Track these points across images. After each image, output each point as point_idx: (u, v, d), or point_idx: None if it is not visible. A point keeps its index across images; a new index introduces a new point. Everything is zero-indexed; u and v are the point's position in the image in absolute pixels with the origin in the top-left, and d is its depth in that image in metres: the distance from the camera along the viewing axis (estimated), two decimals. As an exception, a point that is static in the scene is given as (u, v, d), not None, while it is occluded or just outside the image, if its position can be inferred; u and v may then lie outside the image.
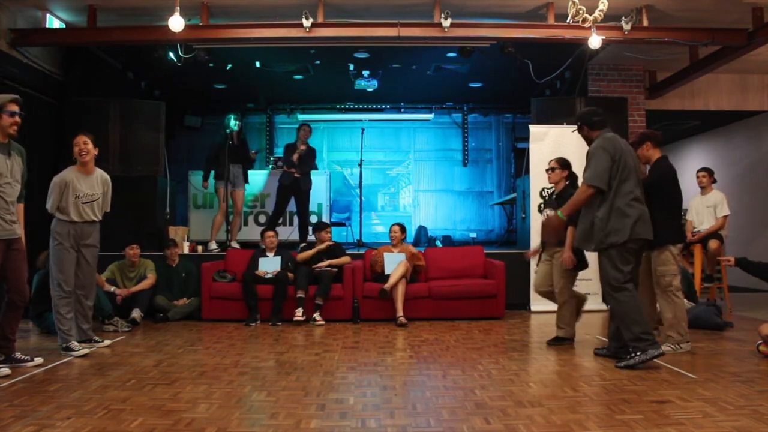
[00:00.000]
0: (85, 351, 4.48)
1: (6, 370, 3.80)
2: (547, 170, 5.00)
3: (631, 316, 3.94)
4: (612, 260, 3.99)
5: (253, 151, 7.35)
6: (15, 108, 3.94)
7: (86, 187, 4.64)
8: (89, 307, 4.83)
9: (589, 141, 4.28)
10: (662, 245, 4.31)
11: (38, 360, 4.14)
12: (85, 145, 4.62)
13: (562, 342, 4.81)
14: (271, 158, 9.61)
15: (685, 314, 4.50)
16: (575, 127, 4.38)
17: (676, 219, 4.53)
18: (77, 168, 4.65)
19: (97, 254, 4.83)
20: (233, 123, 7.12)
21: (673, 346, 4.38)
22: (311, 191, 7.59)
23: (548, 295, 5.00)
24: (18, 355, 4.10)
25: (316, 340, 5.08)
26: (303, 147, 7.36)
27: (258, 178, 8.17)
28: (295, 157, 7.27)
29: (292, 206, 7.61)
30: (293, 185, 7.31)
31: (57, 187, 4.53)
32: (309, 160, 7.43)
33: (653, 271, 4.41)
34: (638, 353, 3.93)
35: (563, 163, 4.91)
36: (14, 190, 3.99)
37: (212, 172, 7.13)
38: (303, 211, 7.48)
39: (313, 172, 8.64)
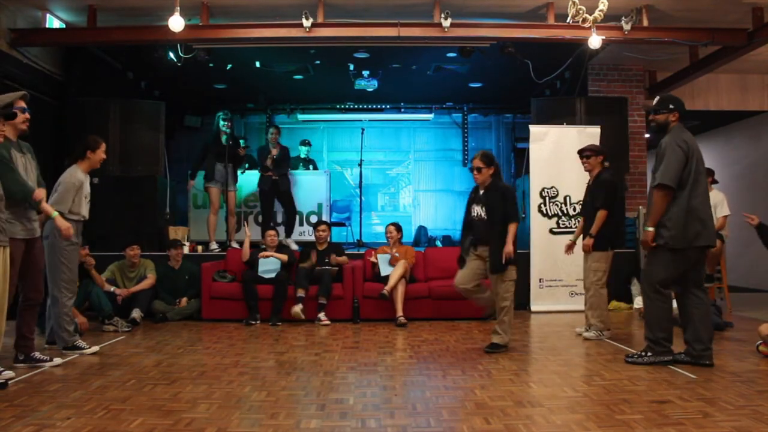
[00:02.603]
0: (95, 348, 4.53)
1: (9, 373, 3.77)
2: (472, 170, 4.70)
3: (661, 322, 4.03)
4: (665, 261, 3.95)
5: (240, 147, 7.34)
6: (24, 104, 3.96)
7: (88, 187, 4.68)
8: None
9: (663, 125, 4.06)
10: (604, 248, 4.99)
11: (57, 360, 4.13)
12: (105, 156, 4.73)
13: (500, 349, 4.55)
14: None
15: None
16: (660, 107, 4.07)
17: (619, 226, 5.04)
18: (83, 168, 4.60)
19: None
20: (222, 123, 7.13)
21: (596, 333, 5.01)
22: (311, 191, 7.61)
23: (470, 292, 4.71)
24: (37, 354, 4.10)
25: (316, 340, 5.08)
26: (275, 150, 7.38)
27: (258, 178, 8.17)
28: (269, 162, 7.30)
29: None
30: (272, 188, 7.35)
31: (74, 188, 4.47)
32: (284, 161, 7.46)
33: (585, 268, 5.05)
34: (649, 354, 4.05)
35: (489, 161, 4.65)
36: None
37: (201, 173, 7.17)
38: (287, 211, 7.52)
39: (313, 172, 8.65)
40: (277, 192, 7.39)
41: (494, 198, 4.56)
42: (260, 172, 7.44)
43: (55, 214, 4.04)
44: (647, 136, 8.18)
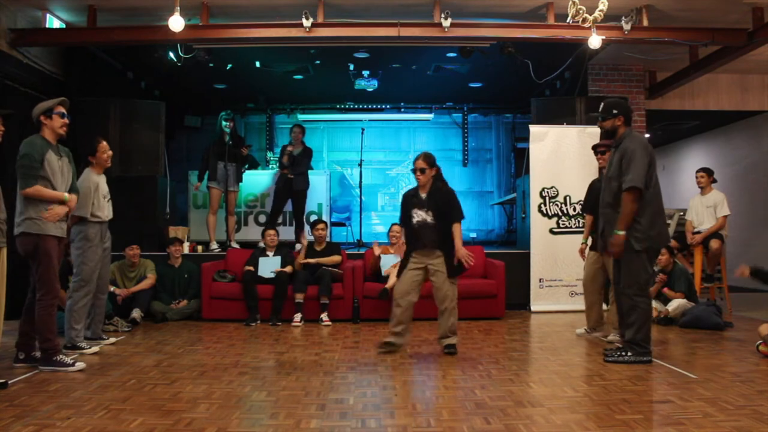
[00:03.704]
0: (95, 349, 4.57)
1: (81, 364, 4.01)
2: (414, 171, 4.51)
3: (644, 323, 4.10)
4: (645, 263, 4.09)
5: (243, 147, 7.32)
6: (63, 109, 4.13)
7: (105, 186, 4.85)
8: (104, 306, 4.97)
9: (611, 133, 4.25)
10: None
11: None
12: (110, 150, 4.87)
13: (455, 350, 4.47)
14: (271, 158, 9.63)
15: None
16: (605, 114, 4.24)
17: None
18: (95, 170, 4.80)
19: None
20: (224, 123, 7.12)
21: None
22: (311, 191, 7.59)
23: (407, 310, 4.46)
24: (37, 354, 4.12)
25: (316, 340, 5.08)
26: (291, 148, 7.33)
27: (258, 178, 8.17)
28: (285, 159, 7.27)
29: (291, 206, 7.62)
30: (286, 186, 7.30)
31: (90, 191, 4.61)
32: (303, 160, 7.39)
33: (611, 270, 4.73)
34: (629, 353, 4.11)
35: (431, 162, 4.55)
36: (66, 190, 4.16)
37: (207, 173, 7.16)
38: (297, 211, 7.46)
39: (313, 172, 8.63)
40: (290, 191, 7.35)
41: (443, 201, 4.46)
42: (279, 169, 7.43)
43: (66, 197, 4.07)
44: (647, 135, 8.19)
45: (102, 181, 4.81)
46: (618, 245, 4.06)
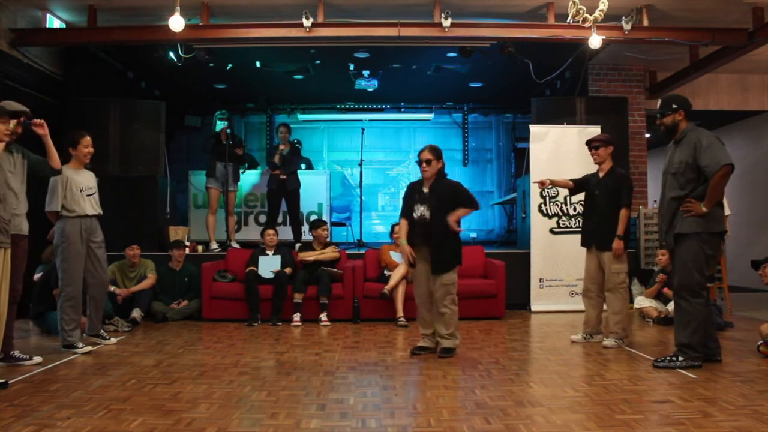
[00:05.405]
0: (89, 348, 4.54)
1: (38, 358, 4.01)
2: (420, 162, 4.34)
3: (700, 325, 3.93)
4: (702, 255, 3.92)
5: (238, 147, 7.30)
6: (19, 119, 3.94)
7: (84, 181, 4.71)
8: (102, 303, 4.90)
9: (671, 129, 4.03)
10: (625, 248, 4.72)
11: (37, 359, 4.14)
12: (92, 147, 4.77)
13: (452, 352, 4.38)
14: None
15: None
16: (663, 110, 4.05)
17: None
18: (71, 165, 4.69)
19: (104, 249, 4.87)
20: (218, 123, 7.12)
21: (617, 341, 4.70)
22: (311, 191, 7.59)
23: (429, 306, 4.42)
24: (16, 353, 4.12)
25: (316, 340, 5.08)
26: (283, 147, 7.33)
27: (258, 178, 8.17)
28: (276, 158, 7.26)
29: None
30: (280, 187, 7.29)
31: (59, 184, 4.53)
32: (293, 158, 7.38)
33: (608, 270, 4.73)
34: (680, 359, 3.94)
35: (438, 154, 4.38)
36: (23, 186, 4.07)
37: (202, 172, 7.17)
38: (293, 210, 7.44)
39: (313, 172, 8.65)
40: (284, 191, 7.34)
41: (448, 194, 4.33)
42: (270, 170, 7.43)
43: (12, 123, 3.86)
44: (647, 135, 8.18)
45: (79, 175, 4.67)
46: (698, 212, 3.87)
